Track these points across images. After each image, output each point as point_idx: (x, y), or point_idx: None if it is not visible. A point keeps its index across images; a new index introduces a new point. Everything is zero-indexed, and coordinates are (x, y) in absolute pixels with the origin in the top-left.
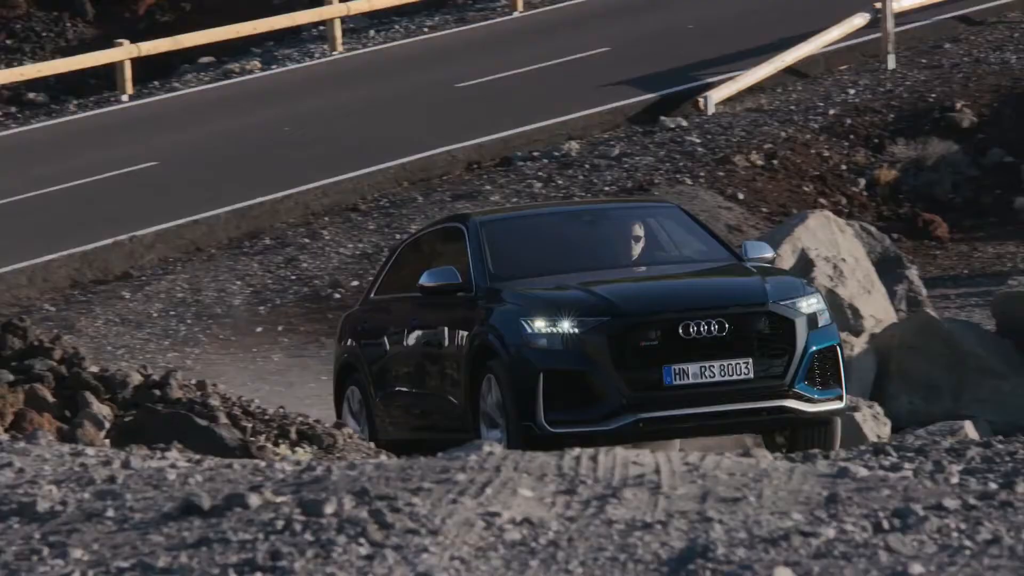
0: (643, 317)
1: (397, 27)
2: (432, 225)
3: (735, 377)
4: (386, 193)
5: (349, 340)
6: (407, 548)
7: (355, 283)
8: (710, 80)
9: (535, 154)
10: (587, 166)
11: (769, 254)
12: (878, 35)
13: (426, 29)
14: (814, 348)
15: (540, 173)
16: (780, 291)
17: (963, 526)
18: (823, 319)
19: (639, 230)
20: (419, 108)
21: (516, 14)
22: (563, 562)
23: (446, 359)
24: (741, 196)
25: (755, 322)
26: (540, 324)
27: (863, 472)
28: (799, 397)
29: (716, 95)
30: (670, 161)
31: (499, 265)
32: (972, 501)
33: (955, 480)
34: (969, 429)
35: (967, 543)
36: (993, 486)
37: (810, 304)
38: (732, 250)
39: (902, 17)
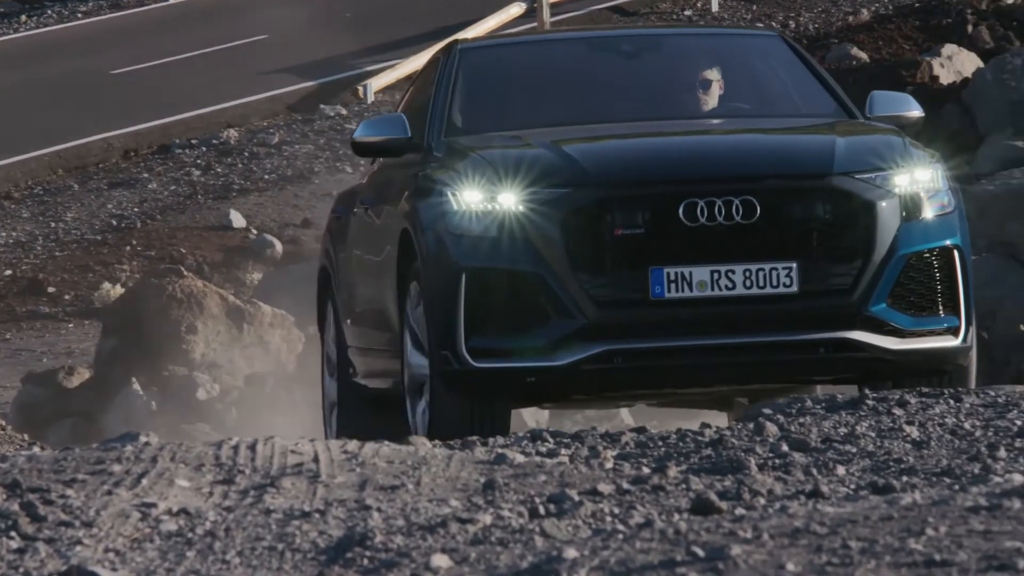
0: (621, 189)
1: (50, 12)
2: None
3: (769, 291)
4: (40, 181)
5: (327, 235)
6: (60, 541)
7: (8, 272)
8: (369, 68)
9: (193, 142)
10: (246, 154)
11: (913, 112)
12: (534, 24)
13: (80, 15)
14: (910, 250)
15: (199, 161)
16: (859, 155)
17: (616, 510)
18: (936, 205)
19: (713, 73)
20: (74, 95)
21: (171, 0)
22: (220, 552)
23: (383, 258)
24: None
25: (806, 203)
26: (471, 198)
27: (520, 458)
28: (876, 326)
29: (375, 83)
30: (330, 149)
31: (470, 113)
32: (626, 486)
33: (610, 465)
34: (625, 415)
35: (620, 527)
36: (646, 470)
37: (916, 179)
38: (846, 102)
39: (558, 7)
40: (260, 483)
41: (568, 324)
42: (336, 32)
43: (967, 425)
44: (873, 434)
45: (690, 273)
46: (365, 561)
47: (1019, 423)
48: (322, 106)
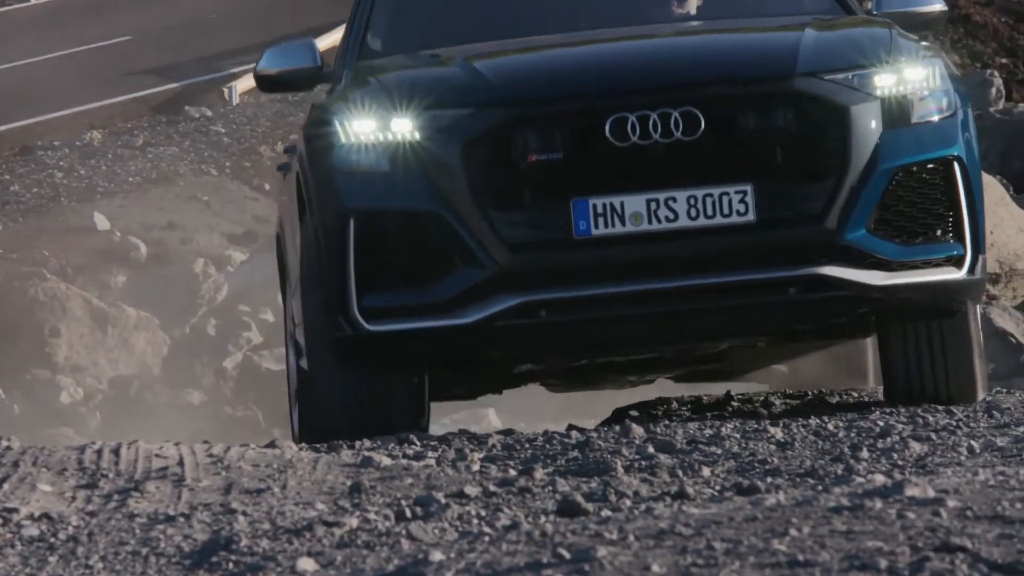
0: (534, 106)
1: None
2: None
3: (720, 220)
4: None
5: (279, 198)
6: None
7: None
8: (235, 70)
9: (56, 143)
10: (110, 156)
11: (934, 5)
12: None
13: None
14: (896, 163)
15: (62, 163)
16: (830, 52)
17: (483, 512)
18: (931, 108)
19: None
20: None
21: (33, 1)
22: (83, 557)
23: (294, 213)
24: (268, 187)
25: (761, 112)
26: (361, 128)
27: (387, 461)
28: (856, 258)
29: (241, 85)
30: (195, 151)
31: (391, 34)
32: (492, 488)
33: (476, 468)
34: (492, 417)
35: (487, 529)
36: (513, 473)
37: (905, 78)
38: None
39: None
40: (124, 487)
41: (476, 273)
42: (201, 34)
43: (830, 426)
44: (738, 435)
45: (621, 204)
46: (230, 565)
47: (881, 424)
48: (187, 108)
